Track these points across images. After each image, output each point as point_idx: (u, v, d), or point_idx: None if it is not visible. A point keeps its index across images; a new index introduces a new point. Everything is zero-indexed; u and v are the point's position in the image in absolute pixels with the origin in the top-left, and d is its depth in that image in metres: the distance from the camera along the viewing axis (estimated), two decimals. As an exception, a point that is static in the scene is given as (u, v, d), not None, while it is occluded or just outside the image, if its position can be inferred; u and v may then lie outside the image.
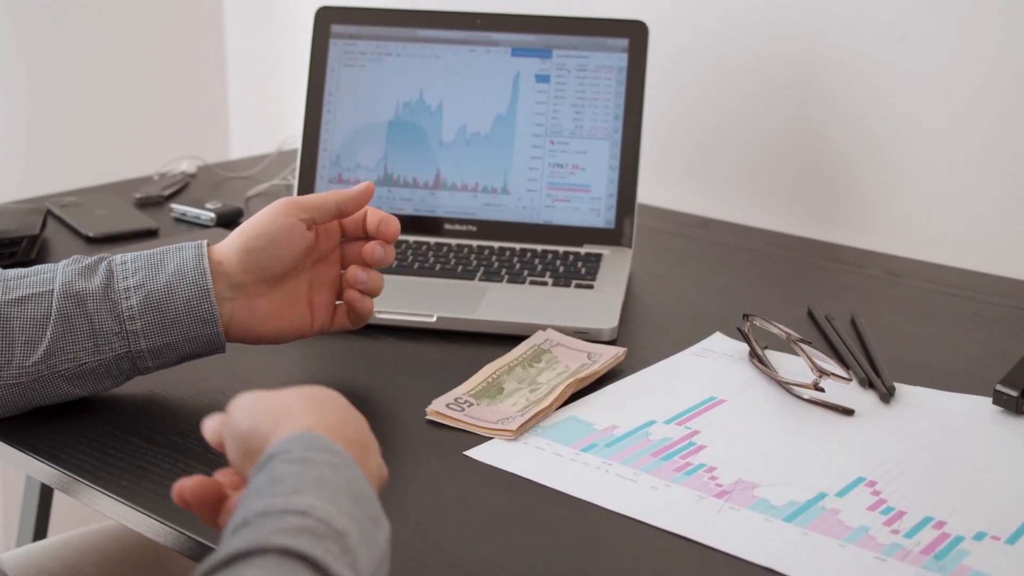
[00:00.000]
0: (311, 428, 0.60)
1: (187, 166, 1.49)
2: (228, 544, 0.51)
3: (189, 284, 0.82)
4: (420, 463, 0.80)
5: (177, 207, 1.32)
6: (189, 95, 1.93)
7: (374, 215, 0.89)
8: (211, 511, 0.63)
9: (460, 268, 1.11)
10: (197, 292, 0.82)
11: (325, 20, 1.24)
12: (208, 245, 0.84)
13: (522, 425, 0.83)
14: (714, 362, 0.96)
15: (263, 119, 1.94)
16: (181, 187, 1.43)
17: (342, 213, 0.88)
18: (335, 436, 0.60)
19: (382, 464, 0.65)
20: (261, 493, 0.54)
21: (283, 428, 0.60)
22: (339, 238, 0.91)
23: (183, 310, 0.82)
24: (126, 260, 0.83)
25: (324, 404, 0.64)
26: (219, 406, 0.87)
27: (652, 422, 0.85)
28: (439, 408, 0.85)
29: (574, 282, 1.09)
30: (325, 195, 0.87)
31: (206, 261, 0.83)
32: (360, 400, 0.70)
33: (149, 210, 1.34)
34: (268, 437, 0.60)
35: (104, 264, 0.83)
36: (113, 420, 0.84)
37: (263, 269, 0.84)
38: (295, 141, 1.26)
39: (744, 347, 0.98)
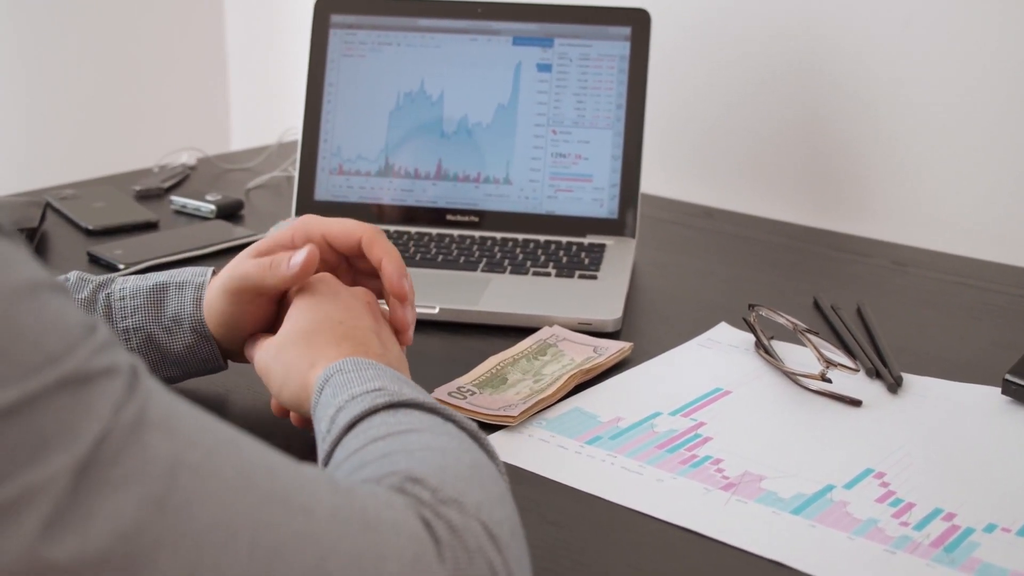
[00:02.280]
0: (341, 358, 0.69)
1: (187, 158, 1.48)
2: (333, 427, 0.62)
3: (188, 331, 0.80)
4: (423, 456, 0.79)
5: (177, 199, 1.31)
6: (189, 86, 1.92)
7: (391, 283, 0.79)
8: None
9: (462, 259, 1.10)
10: (197, 339, 0.80)
11: (325, 10, 1.23)
12: (207, 283, 0.81)
13: (524, 412, 0.82)
14: (719, 353, 0.95)
15: (263, 110, 1.93)
16: (181, 179, 1.42)
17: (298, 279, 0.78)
18: (363, 353, 0.70)
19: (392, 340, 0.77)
20: (338, 394, 0.64)
21: (319, 366, 0.70)
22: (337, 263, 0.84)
23: (185, 353, 0.81)
24: (124, 295, 0.81)
25: (338, 332, 0.72)
26: (219, 398, 0.87)
27: (657, 414, 0.85)
28: (442, 396, 0.84)
29: (577, 273, 1.08)
30: (267, 273, 0.76)
31: (203, 311, 0.80)
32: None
33: (149, 202, 1.33)
34: (307, 374, 0.70)
35: (103, 297, 0.81)
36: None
37: (241, 339, 0.81)
38: (296, 132, 1.25)
39: (750, 337, 0.97)
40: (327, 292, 0.76)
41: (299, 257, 0.74)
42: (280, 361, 0.73)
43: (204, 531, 0.44)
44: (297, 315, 0.75)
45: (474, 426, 0.63)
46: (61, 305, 0.44)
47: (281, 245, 0.79)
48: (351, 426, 0.62)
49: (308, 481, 0.49)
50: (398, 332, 0.79)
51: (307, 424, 0.74)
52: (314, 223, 0.79)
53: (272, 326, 0.79)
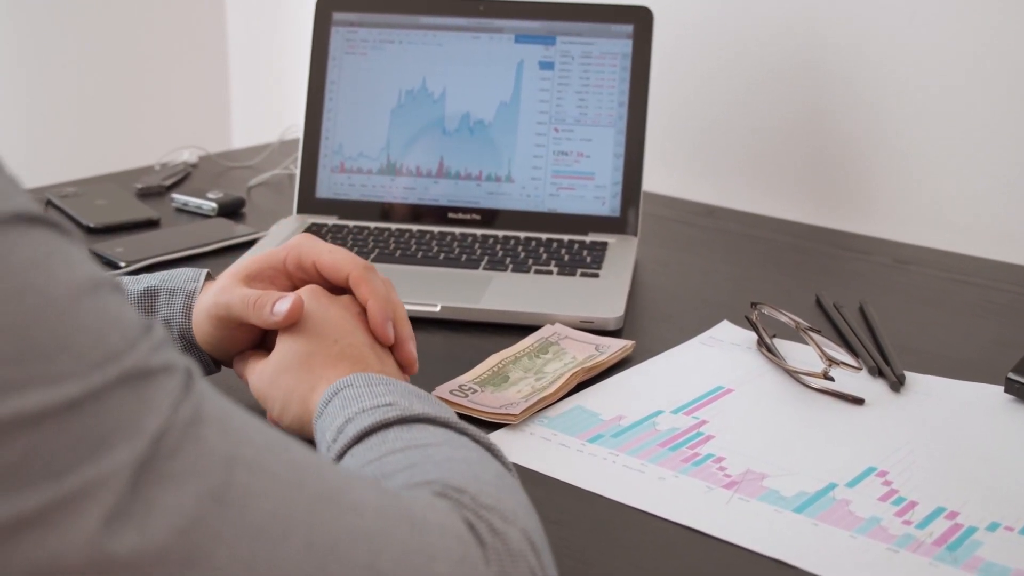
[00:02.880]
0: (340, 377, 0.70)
1: (188, 156, 1.48)
2: (341, 436, 0.62)
3: (176, 339, 0.80)
4: (424, 454, 0.78)
5: (178, 197, 1.31)
6: (191, 84, 1.92)
7: (375, 326, 0.77)
8: None
9: (464, 257, 1.10)
10: (186, 346, 0.80)
11: (326, 8, 1.22)
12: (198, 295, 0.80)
13: (525, 410, 0.82)
14: (722, 351, 0.95)
15: (265, 108, 1.93)
16: (182, 177, 1.42)
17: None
18: (363, 368, 0.72)
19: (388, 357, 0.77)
20: (347, 407, 0.65)
21: (319, 389, 0.71)
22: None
23: None
24: None
25: (334, 352, 0.73)
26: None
27: (659, 412, 0.84)
28: (443, 395, 0.84)
29: (579, 271, 1.07)
30: (250, 312, 0.76)
31: (191, 321, 0.79)
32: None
33: (150, 200, 1.33)
34: (308, 398, 0.71)
35: None
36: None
37: (230, 354, 0.80)
38: (297, 130, 1.25)
39: (752, 336, 0.97)
40: (318, 310, 0.75)
41: (283, 306, 0.74)
42: (278, 387, 0.73)
43: (261, 526, 0.44)
44: (290, 338, 0.74)
45: (488, 438, 0.63)
46: (119, 303, 0.44)
47: (272, 267, 0.79)
48: (362, 437, 0.62)
49: (354, 481, 0.50)
50: (403, 367, 0.78)
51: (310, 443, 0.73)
52: (307, 251, 0.78)
53: (262, 342, 0.79)
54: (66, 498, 0.40)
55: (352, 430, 0.62)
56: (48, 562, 0.40)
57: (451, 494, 0.53)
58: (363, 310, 0.77)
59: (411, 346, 0.78)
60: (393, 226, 1.17)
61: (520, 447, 0.79)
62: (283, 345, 0.75)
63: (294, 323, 0.74)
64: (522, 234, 1.15)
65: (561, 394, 0.85)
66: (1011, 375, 0.86)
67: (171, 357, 0.45)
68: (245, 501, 0.44)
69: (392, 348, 0.77)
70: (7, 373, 0.39)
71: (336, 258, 0.78)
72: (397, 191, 1.19)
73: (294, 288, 0.79)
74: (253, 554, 0.43)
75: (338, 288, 0.79)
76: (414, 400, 0.66)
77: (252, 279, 0.78)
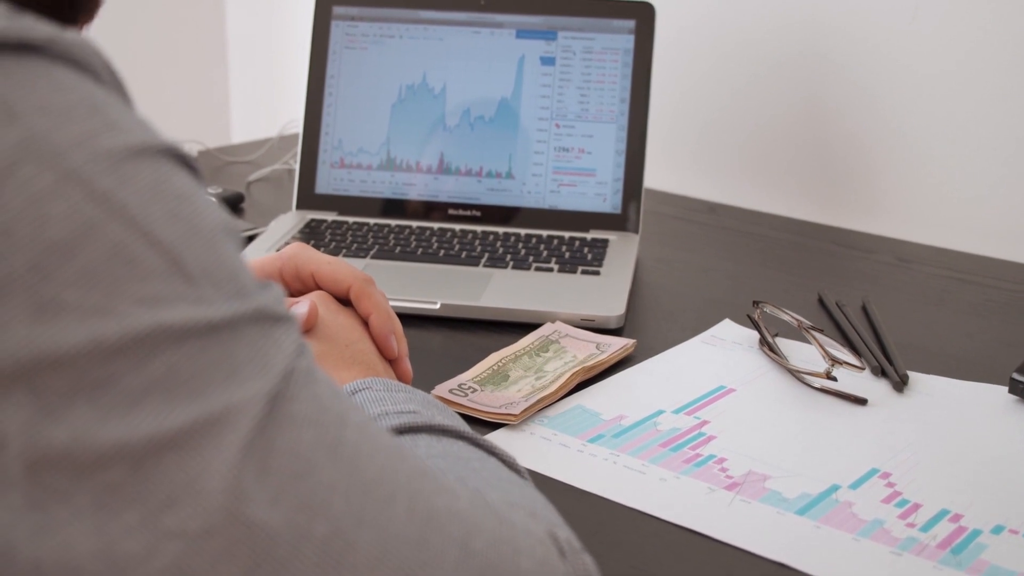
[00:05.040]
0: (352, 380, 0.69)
1: (188, 150, 1.47)
2: None
3: None
4: (423, 454, 0.78)
5: (177, 192, 1.30)
6: (190, 79, 1.91)
7: (378, 340, 0.77)
8: None
9: (464, 254, 1.09)
10: None
11: (326, 2, 1.22)
12: None
13: (525, 410, 0.81)
14: (723, 350, 0.94)
15: (265, 103, 1.92)
16: (181, 172, 1.41)
17: None
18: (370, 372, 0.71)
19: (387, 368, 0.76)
20: (367, 408, 0.64)
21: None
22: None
23: None
24: None
25: (346, 356, 0.72)
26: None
27: (660, 412, 0.84)
28: (442, 394, 0.83)
29: (580, 268, 1.07)
30: None
31: None
32: (362, 390, 0.68)
33: (149, 195, 1.32)
34: None
35: None
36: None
37: None
38: (297, 125, 1.24)
39: (754, 334, 0.96)
40: (328, 315, 0.75)
41: (300, 310, 0.73)
42: None
43: (370, 484, 0.44)
44: None
45: (512, 458, 0.62)
46: (242, 254, 0.45)
47: (267, 275, 0.78)
48: None
49: (443, 469, 0.51)
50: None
51: None
52: (305, 261, 0.78)
53: None
54: (208, 420, 0.40)
55: None
56: (185, 487, 0.40)
57: (526, 509, 0.53)
58: (365, 323, 0.77)
59: (407, 362, 0.78)
60: (393, 222, 1.16)
61: (520, 447, 0.78)
62: None
63: (308, 329, 0.74)
64: (523, 231, 1.15)
65: (561, 393, 0.85)
66: (1015, 375, 0.86)
67: (289, 313, 0.46)
68: (357, 458, 0.45)
69: (390, 362, 0.77)
70: (157, 287, 0.40)
71: (336, 269, 0.77)
72: (397, 187, 1.19)
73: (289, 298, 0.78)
74: (362, 509, 0.44)
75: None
76: (435, 412, 0.65)
77: None
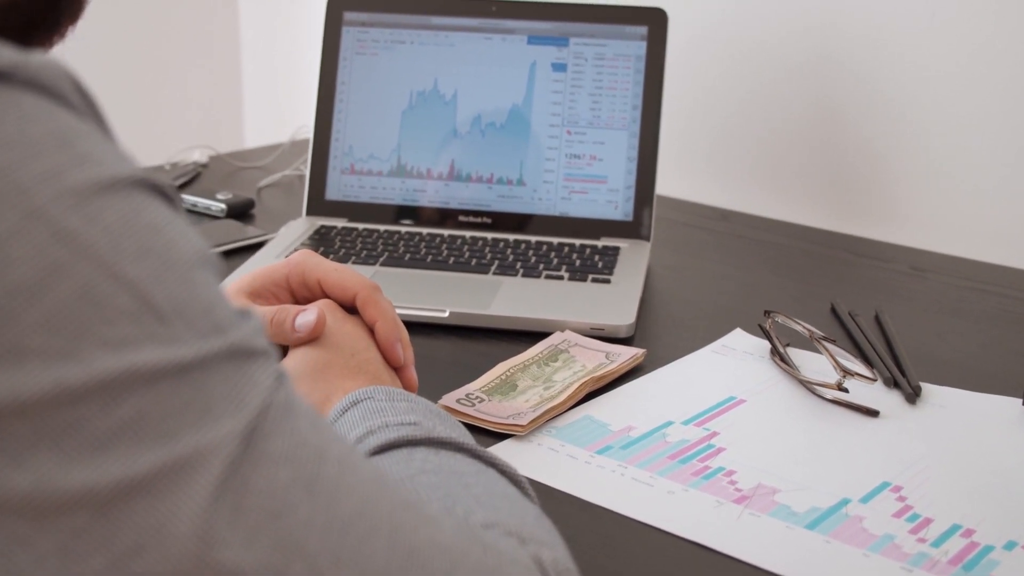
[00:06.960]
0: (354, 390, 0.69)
1: (199, 155, 1.47)
2: (360, 446, 0.61)
3: None
4: (430, 464, 0.77)
5: (188, 198, 1.30)
6: (202, 84, 1.92)
7: (384, 349, 0.76)
8: None
9: (474, 261, 1.09)
10: None
11: (337, 7, 1.21)
12: None
13: (533, 421, 0.80)
14: (734, 360, 0.93)
15: (277, 108, 1.92)
16: (192, 177, 1.41)
17: None
18: (375, 381, 0.71)
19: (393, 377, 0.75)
20: (368, 419, 0.63)
21: (334, 399, 0.69)
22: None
23: None
24: None
25: (352, 365, 0.72)
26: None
27: (670, 423, 0.83)
28: (450, 403, 0.83)
29: (590, 276, 1.06)
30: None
31: None
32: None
33: (159, 201, 1.32)
34: (321, 407, 0.69)
35: None
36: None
37: None
38: (308, 130, 1.24)
39: (765, 344, 0.95)
40: (334, 323, 0.74)
41: (308, 318, 0.73)
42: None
43: (349, 520, 0.44)
44: (306, 347, 0.73)
45: (513, 469, 0.61)
46: (220, 284, 0.45)
47: (274, 283, 0.77)
48: (386, 449, 0.60)
49: (427, 498, 0.50)
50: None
51: None
52: (311, 268, 0.77)
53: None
54: (178, 462, 0.39)
55: (374, 442, 0.61)
56: (153, 532, 0.39)
57: (513, 532, 0.52)
58: (371, 331, 0.76)
59: (414, 371, 0.77)
60: (403, 229, 1.16)
61: (527, 458, 0.77)
62: (298, 353, 0.73)
63: (316, 337, 0.73)
64: (533, 238, 1.14)
65: (570, 404, 0.84)
66: (1030, 388, 0.85)
67: (268, 343, 0.45)
68: (335, 494, 0.44)
69: (396, 371, 0.76)
70: (125, 328, 0.39)
71: (343, 276, 0.77)
72: (407, 193, 1.18)
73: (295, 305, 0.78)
74: (341, 546, 0.43)
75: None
76: (437, 422, 0.64)
77: (255, 296, 0.77)
